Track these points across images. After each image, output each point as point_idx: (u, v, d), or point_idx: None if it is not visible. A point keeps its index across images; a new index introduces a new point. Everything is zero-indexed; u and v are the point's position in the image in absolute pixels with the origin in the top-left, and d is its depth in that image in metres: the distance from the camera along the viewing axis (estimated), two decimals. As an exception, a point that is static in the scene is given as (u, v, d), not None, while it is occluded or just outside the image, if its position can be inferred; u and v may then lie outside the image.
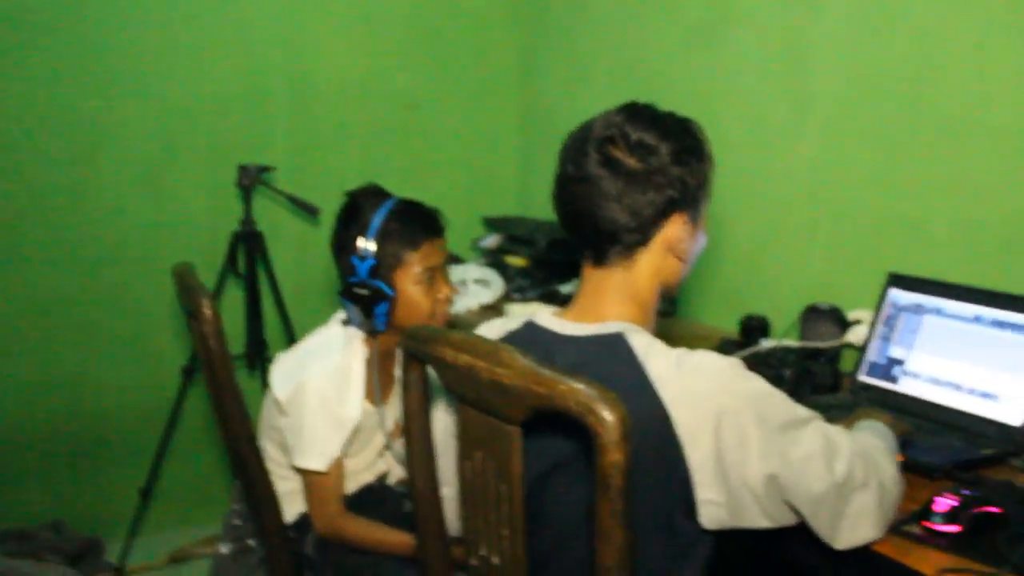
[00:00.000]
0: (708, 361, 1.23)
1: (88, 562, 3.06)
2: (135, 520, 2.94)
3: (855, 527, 1.25)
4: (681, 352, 1.26)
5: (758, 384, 1.24)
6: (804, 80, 2.44)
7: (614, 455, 0.94)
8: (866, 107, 2.28)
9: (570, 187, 1.33)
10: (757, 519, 1.23)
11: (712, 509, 1.22)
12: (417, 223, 1.91)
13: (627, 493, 0.96)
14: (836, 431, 1.27)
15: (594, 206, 1.30)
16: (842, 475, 1.21)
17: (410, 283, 1.90)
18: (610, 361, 1.26)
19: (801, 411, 1.25)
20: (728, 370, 1.23)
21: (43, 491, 3.18)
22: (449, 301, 1.98)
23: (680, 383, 1.21)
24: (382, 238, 1.87)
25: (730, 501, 1.21)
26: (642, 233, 1.32)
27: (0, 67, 2.89)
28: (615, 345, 1.28)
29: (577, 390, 0.96)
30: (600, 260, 1.36)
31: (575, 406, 0.96)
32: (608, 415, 0.94)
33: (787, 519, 1.25)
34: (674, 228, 1.34)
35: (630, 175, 1.28)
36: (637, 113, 1.33)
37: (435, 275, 1.93)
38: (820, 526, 1.24)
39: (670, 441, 1.19)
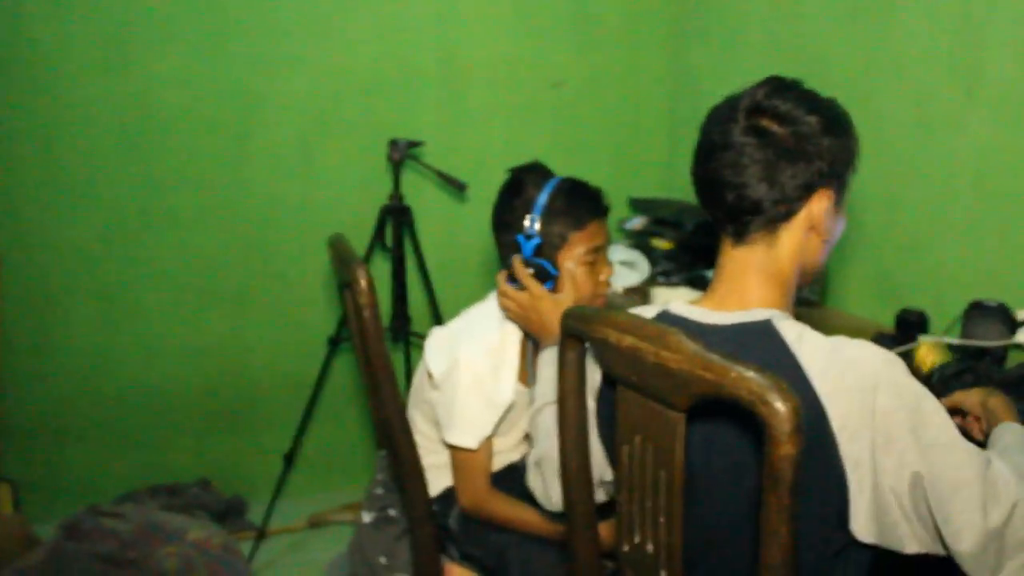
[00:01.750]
0: (870, 355, 1.17)
1: (232, 520, 3.18)
2: (278, 483, 3.03)
3: None
4: (836, 341, 1.20)
5: (918, 387, 1.17)
6: (975, 59, 2.30)
7: (786, 447, 0.91)
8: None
9: (714, 156, 1.28)
10: (903, 538, 1.15)
11: (862, 516, 1.15)
12: (583, 203, 1.87)
13: (796, 488, 0.93)
14: (1005, 468, 1.16)
15: (738, 175, 1.25)
16: (996, 524, 1.11)
17: (573, 264, 1.87)
18: (759, 351, 1.21)
19: (958, 435, 1.15)
20: (891, 367, 1.16)
21: (193, 450, 3.32)
22: (609, 284, 1.94)
23: (837, 375, 1.15)
24: (547, 217, 1.84)
25: (877, 510, 1.14)
26: (787, 206, 1.27)
27: (167, 37, 3.00)
28: (764, 333, 1.23)
29: (749, 378, 0.93)
30: (741, 236, 1.30)
31: (746, 395, 0.92)
32: (781, 405, 0.91)
33: (933, 544, 1.16)
34: (819, 204, 1.28)
35: (778, 144, 1.24)
36: (784, 85, 1.29)
37: (598, 256, 1.90)
38: (972, 570, 1.13)
39: (826, 438, 1.13)
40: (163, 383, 3.24)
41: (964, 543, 1.11)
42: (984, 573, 1.13)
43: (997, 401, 1.47)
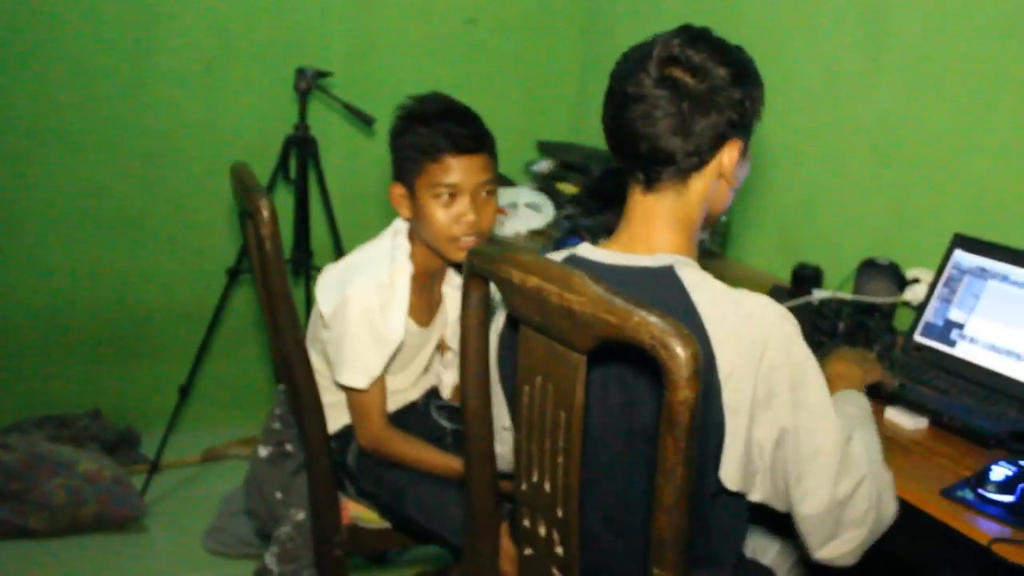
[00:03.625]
0: (768, 311, 1.21)
1: (124, 453, 3.12)
2: (172, 416, 2.97)
3: (836, 550, 1.23)
4: (736, 292, 1.23)
5: (806, 350, 1.21)
6: (880, 27, 2.35)
7: (684, 392, 0.93)
8: (945, 60, 2.20)
9: (626, 106, 1.28)
10: (754, 486, 1.22)
11: (732, 464, 1.20)
12: (444, 132, 1.81)
13: (693, 432, 0.95)
14: (860, 445, 1.24)
15: (652, 127, 1.26)
16: (843, 495, 1.19)
17: (428, 195, 1.82)
18: (659, 294, 1.22)
19: (830, 405, 1.22)
20: (785, 325, 1.20)
21: (84, 380, 3.24)
22: (474, 228, 1.84)
23: (732, 325, 1.18)
24: (409, 137, 1.83)
25: (745, 459, 1.20)
26: (699, 156, 1.28)
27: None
28: (665, 277, 1.25)
29: (651, 323, 0.94)
30: (651, 184, 1.31)
31: (648, 339, 0.93)
32: (681, 350, 0.92)
33: (777, 501, 1.24)
34: (730, 153, 1.30)
35: (692, 96, 1.24)
36: (696, 36, 1.29)
37: (458, 195, 1.82)
38: (811, 537, 1.22)
39: (711, 383, 1.17)
40: (53, 309, 3.14)
41: (807, 506, 1.19)
42: (818, 538, 1.22)
43: (839, 368, 1.52)
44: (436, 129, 1.80)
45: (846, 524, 1.21)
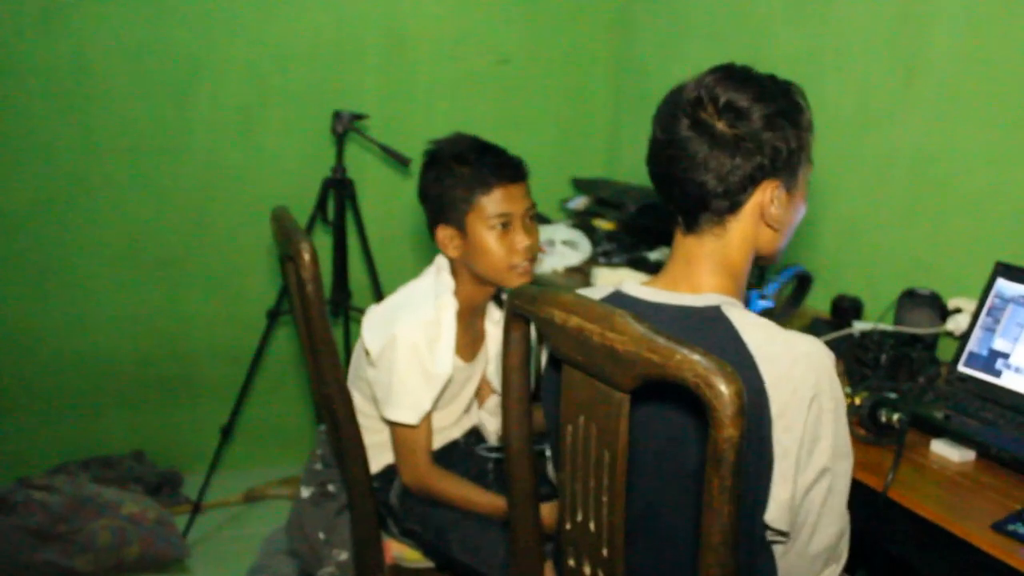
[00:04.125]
0: (817, 351, 1.21)
1: (166, 494, 3.14)
2: (214, 457, 3.00)
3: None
4: (786, 332, 1.22)
5: (841, 392, 1.24)
6: (916, 50, 2.34)
7: (729, 430, 0.92)
8: (982, 83, 2.19)
9: (661, 151, 1.29)
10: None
11: (777, 505, 1.20)
12: (488, 165, 1.86)
13: (739, 469, 0.94)
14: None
15: (682, 171, 1.26)
16: (841, 531, 1.26)
17: (483, 228, 1.86)
18: (708, 334, 1.22)
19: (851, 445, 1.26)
20: (830, 367, 1.21)
21: (127, 422, 3.27)
22: (530, 252, 1.90)
23: (784, 364, 1.18)
24: (453, 179, 1.86)
25: (792, 500, 1.20)
26: (730, 199, 1.27)
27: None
28: (713, 318, 1.25)
29: (694, 361, 0.94)
30: (691, 227, 1.32)
31: (691, 377, 0.93)
32: (725, 388, 0.92)
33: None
34: (765, 195, 1.28)
35: (717, 139, 1.24)
36: (731, 75, 1.28)
37: (512, 223, 1.87)
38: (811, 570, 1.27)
39: (764, 420, 1.16)
40: (97, 352, 3.18)
41: (814, 545, 1.24)
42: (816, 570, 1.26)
43: None
44: (480, 164, 1.85)
45: (832, 560, 1.27)
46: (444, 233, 1.89)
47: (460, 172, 1.85)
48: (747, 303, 1.60)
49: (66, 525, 2.70)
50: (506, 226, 1.86)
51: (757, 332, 1.21)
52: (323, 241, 3.02)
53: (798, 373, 1.17)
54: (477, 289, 1.93)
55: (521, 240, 1.87)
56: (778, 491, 1.19)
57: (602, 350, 1.03)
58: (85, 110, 3.01)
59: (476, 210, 1.85)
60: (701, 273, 1.32)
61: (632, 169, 1.40)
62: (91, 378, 3.19)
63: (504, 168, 1.87)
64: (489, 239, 1.85)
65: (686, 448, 1.21)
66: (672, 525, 1.27)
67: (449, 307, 1.90)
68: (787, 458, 1.17)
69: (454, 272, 1.93)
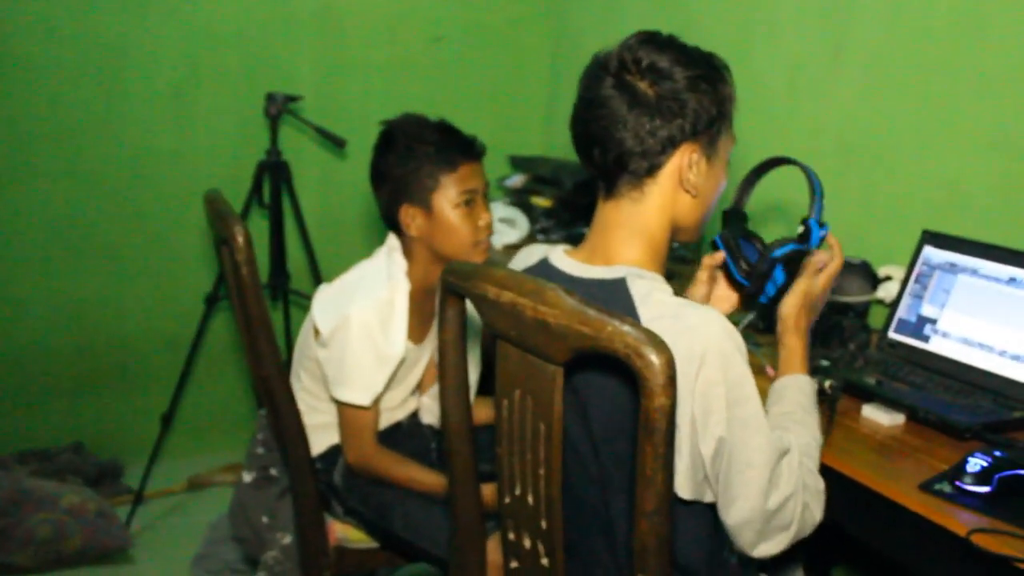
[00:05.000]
0: (710, 326, 1.19)
1: (107, 485, 3.10)
2: (155, 445, 2.96)
3: (767, 550, 1.25)
4: (682, 306, 1.22)
5: (745, 368, 1.21)
6: (842, 26, 2.38)
7: (660, 399, 0.94)
8: (906, 58, 2.23)
9: (583, 111, 1.31)
10: (709, 495, 1.24)
11: (680, 476, 1.20)
12: (452, 144, 1.89)
13: (670, 437, 0.96)
14: (795, 457, 1.24)
15: (602, 129, 1.28)
16: (772, 508, 1.21)
17: (448, 206, 1.88)
18: (607, 306, 1.23)
19: (765, 422, 1.22)
20: (725, 342, 1.19)
21: (65, 413, 3.22)
22: (490, 229, 1.95)
23: (668, 337, 1.17)
24: (418, 159, 1.86)
25: (693, 470, 1.21)
26: (648, 161, 1.28)
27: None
28: (616, 290, 1.26)
29: (624, 332, 0.95)
30: (610, 190, 1.33)
31: (622, 348, 0.95)
32: (655, 358, 0.94)
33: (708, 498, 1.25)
34: (684, 159, 1.30)
35: (639, 98, 1.26)
36: (655, 39, 1.30)
37: (475, 200, 1.90)
38: (741, 538, 1.24)
39: None
40: (31, 343, 3.12)
41: (731, 516, 1.21)
42: (746, 541, 1.23)
43: (791, 342, 1.44)
44: (444, 143, 1.88)
45: (773, 530, 1.22)
46: (407, 213, 1.89)
47: (424, 151, 1.87)
48: (809, 233, 1.59)
49: (3, 520, 2.65)
50: (470, 203, 1.89)
51: (653, 306, 1.22)
52: (260, 225, 2.99)
53: (681, 346, 1.12)
54: (432, 269, 1.92)
55: (484, 216, 1.92)
56: (677, 463, 1.18)
57: (535, 324, 1.04)
58: (9, 97, 2.94)
59: (441, 188, 1.87)
60: (616, 242, 1.33)
61: (569, 146, 1.41)
62: (25, 370, 3.13)
63: (467, 146, 1.91)
64: (454, 217, 1.88)
65: (596, 416, 1.23)
66: (602, 495, 1.29)
67: (402, 288, 1.90)
68: (680, 429, 1.17)
69: (407, 252, 1.93)
